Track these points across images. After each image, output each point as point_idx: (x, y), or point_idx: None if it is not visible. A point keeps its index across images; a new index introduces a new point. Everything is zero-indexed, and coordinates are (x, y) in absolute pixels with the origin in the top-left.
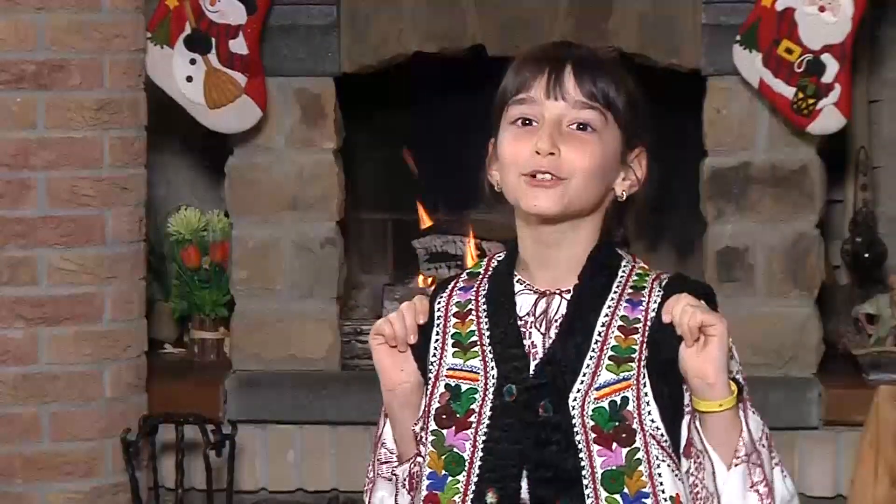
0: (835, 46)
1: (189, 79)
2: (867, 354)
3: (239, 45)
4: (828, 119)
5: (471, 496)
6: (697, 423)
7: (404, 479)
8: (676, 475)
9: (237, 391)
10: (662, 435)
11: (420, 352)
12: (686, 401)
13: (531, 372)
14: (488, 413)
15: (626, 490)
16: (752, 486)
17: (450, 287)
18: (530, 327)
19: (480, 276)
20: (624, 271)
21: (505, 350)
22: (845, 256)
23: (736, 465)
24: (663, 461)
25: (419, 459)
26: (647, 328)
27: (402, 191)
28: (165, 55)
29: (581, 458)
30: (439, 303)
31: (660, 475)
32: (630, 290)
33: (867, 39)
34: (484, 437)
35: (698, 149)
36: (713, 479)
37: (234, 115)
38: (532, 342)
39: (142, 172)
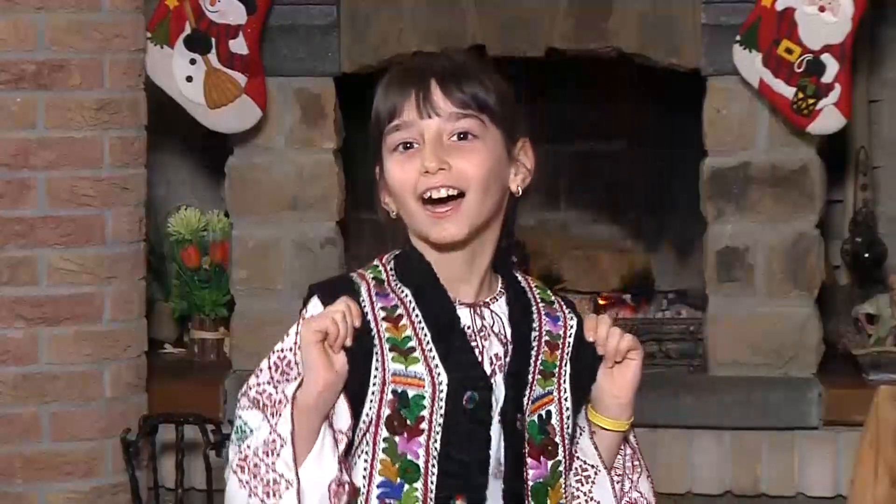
0: (835, 46)
1: (189, 79)
2: (867, 354)
3: (239, 45)
4: (828, 119)
5: (432, 503)
6: (595, 438)
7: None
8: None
9: (237, 391)
10: (570, 448)
11: (363, 356)
12: (580, 420)
13: (492, 381)
14: (440, 420)
15: (548, 502)
16: (622, 496)
17: (364, 291)
18: (472, 340)
19: (387, 281)
20: (524, 282)
21: (455, 356)
22: (845, 256)
23: (616, 482)
24: (568, 472)
25: (360, 466)
26: (566, 344)
27: None
28: (165, 55)
29: (525, 471)
30: (364, 307)
31: (567, 486)
32: (543, 304)
33: (867, 39)
34: (437, 445)
35: (698, 149)
36: (611, 492)
37: (234, 115)
38: (495, 354)
39: (142, 172)
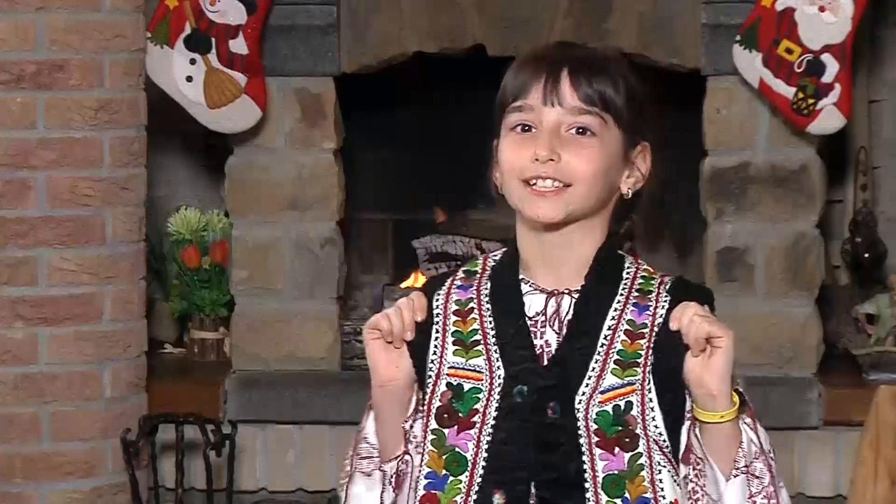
0: (835, 46)
1: (189, 79)
2: (867, 354)
3: (239, 45)
4: (828, 119)
5: (474, 497)
6: (698, 431)
7: (391, 477)
8: (675, 481)
9: (237, 391)
10: (665, 441)
11: (419, 349)
12: (688, 407)
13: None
14: (493, 413)
15: (626, 495)
16: (750, 497)
17: (447, 284)
18: (542, 327)
19: (478, 275)
20: (628, 273)
21: (513, 350)
22: (845, 256)
23: (735, 476)
24: (664, 467)
25: (407, 458)
26: (653, 334)
27: (402, 191)
28: (165, 55)
29: (584, 462)
30: (437, 300)
31: (661, 481)
32: (636, 294)
33: (867, 39)
34: (489, 438)
35: (698, 149)
36: (716, 486)
37: (234, 115)
38: (546, 341)
39: (142, 172)
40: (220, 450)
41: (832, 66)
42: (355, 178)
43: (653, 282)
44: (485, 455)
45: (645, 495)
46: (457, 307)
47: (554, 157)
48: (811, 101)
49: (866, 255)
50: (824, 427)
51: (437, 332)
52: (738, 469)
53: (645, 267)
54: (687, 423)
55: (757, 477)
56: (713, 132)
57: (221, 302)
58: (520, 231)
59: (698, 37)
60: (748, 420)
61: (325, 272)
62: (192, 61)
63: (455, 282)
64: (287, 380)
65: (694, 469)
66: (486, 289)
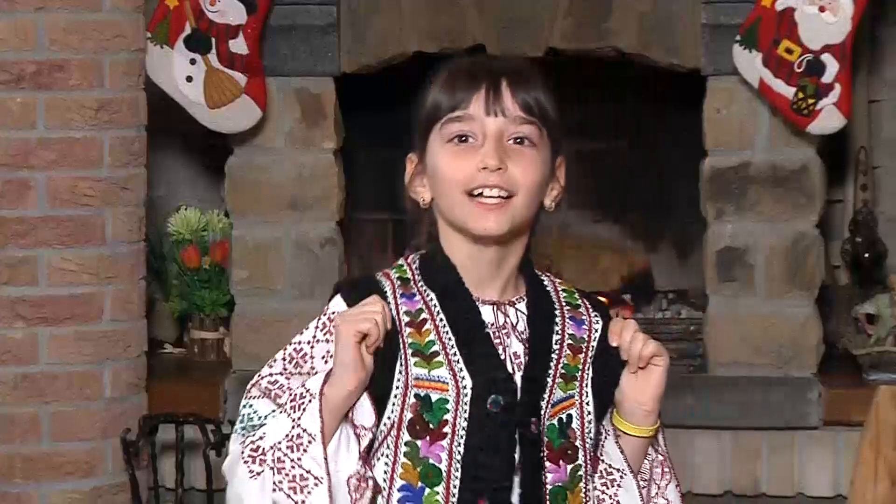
0: (835, 46)
1: (189, 79)
2: (867, 354)
3: (239, 45)
4: (828, 119)
5: None
6: (620, 442)
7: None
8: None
9: (237, 391)
10: (594, 451)
11: (386, 359)
12: (608, 420)
13: (517, 384)
14: (464, 424)
15: None
16: (649, 501)
17: (389, 292)
18: (496, 338)
19: (412, 282)
20: (550, 286)
21: (480, 360)
22: (845, 256)
23: (642, 487)
24: (591, 476)
25: (381, 468)
26: (590, 348)
27: (402, 191)
28: (165, 55)
29: (542, 475)
30: (389, 308)
31: (589, 490)
32: (568, 308)
33: (867, 39)
34: (461, 448)
35: (698, 149)
36: (638, 496)
37: (234, 115)
38: (514, 353)
39: (142, 172)
40: (220, 450)
41: (832, 66)
42: (355, 178)
43: (575, 295)
44: (458, 465)
45: None
46: (408, 318)
47: (502, 167)
48: (811, 101)
49: (866, 255)
50: (824, 427)
51: (400, 340)
52: (644, 480)
53: (558, 280)
54: (603, 435)
55: (655, 482)
56: (713, 132)
57: (221, 302)
58: (452, 246)
59: (698, 37)
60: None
61: (325, 272)
62: (192, 61)
63: (397, 290)
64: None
65: (604, 477)
66: (431, 298)
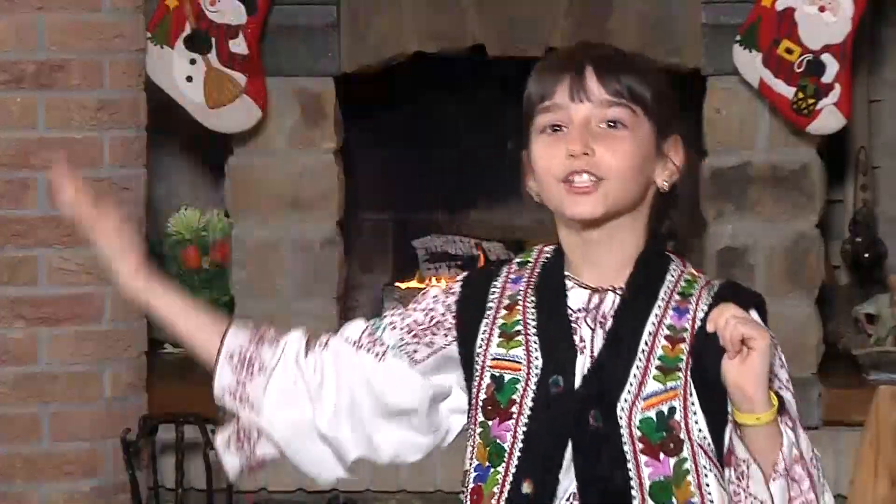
0: (835, 46)
1: (189, 79)
2: (867, 354)
3: (239, 45)
4: (828, 119)
5: (508, 487)
6: (739, 432)
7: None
8: (721, 484)
9: None
10: (709, 444)
11: (466, 336)
12: (729, 409)
13: (578, 371)
14: (530, 404)
15: (674, 500)
16: (789, 501)
17: (503, 276)
18: (579, 322)
19: (531, 266)
20: (672, 275)
21: (552, 342)
22: (845, 256)
23: (773, 480)
24: (710, 471)
25: (468, 449)
26: (692, 337)
27: (402, 191)
28: (165, 55)
29: (629, 470)
30: (493, 293)
31: (707, 485)
32: (677, 298)
33: (867, 39)
34: (524, 429)
35: (698, 149)
36: (765, 486)
37: (234, 115)
38: (580, 336)
39: (142, 172)
40: None
41: (832, 66)
42: (355, 178)
43: (695, 285)
44: (520, 446)
45: (692, 500)
46: (508, 301)
47: (588, 152)
48: (811, 101)
49: (866, 255)
50: (824, 427)
51: (487, 324)
52: (776, 472)
53: (690, 270)
54: (729, 425)
55: (796, 481)
56: (713, 132)
57: (221, 302)
58: (561, 231)
59: (698, 37)
60: (790, 424)
61: (325, 272)
62: (192, 61)
63: (510, 274)
64: None
65: (736, 471)
66: (535, 281)
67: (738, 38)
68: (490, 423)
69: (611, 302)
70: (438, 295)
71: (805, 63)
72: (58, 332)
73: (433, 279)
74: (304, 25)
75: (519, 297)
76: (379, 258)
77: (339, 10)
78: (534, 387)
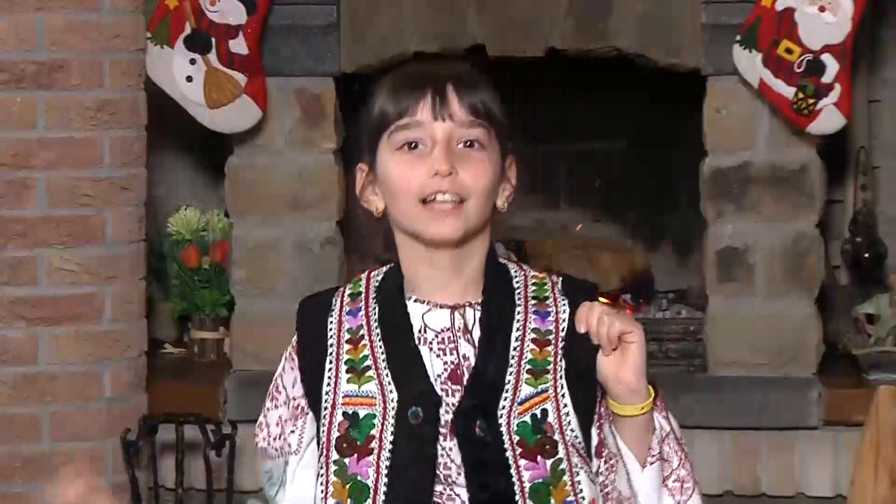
0: (835, 46)
1: (189, 79)
2: (867, 354)
3: (239, 45)
4: (828, 119)
5: None
6: (614, 426)
7: None
8: (591, 479)
9: (237, 391)
10: (580, 442)
11: (312, 379)
12: (598, 404)
13: (440, 396)
14: (390, 438)
15: (552, 501)
16: (663, 483)
17: (336, 310)
18: (450, 343)
19: (363, 297)
20: (518, 281)
21: (404, 372)
22: (845, 256)
23: (651, 464)
24: (581, 468)
25: (318, 489)
26: (559, 339)
27: None
28: (165, 55)
29: (511, 476)
30: (331, 328)
31: (579, 482)
32: (533, 301)
33: (867, 39)
34: (388, 463)
35: (698, 149)
36: (628, 481)
37: (234, 115)
38: (463, 355)
39: (142, 172)
40: (220, 450)
41: (832, 66)
42: (355, 179)
43: (545, 287)
44: (385, 480)
45: (568, 499)
46: (349, 335)
47: (453, 171)
48: (811, 101)
49: (866, 255)
50: (824, 427)
51: (331, 361)
52: (653, 456)
53: (533, 273)
54: (597, 420)
55: (667, 461)
56: (713, 132)
57: (221, 302)
58: (406, 253)
59: (698, 37)
60: (658, 405)
61: (325, 272)
62: (192, 61)
63: (344, 307)
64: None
65: (606, 463)
66: (374, 312)
67: (738, 38)
68: (346, 460)
69: (471, 316)
70: (285, 374)
71: (805, 63)
72: (58, 332)
73: None
74: (304, 25)
75: (363, 332)
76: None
77: (339, 10)
78: (392, 420)
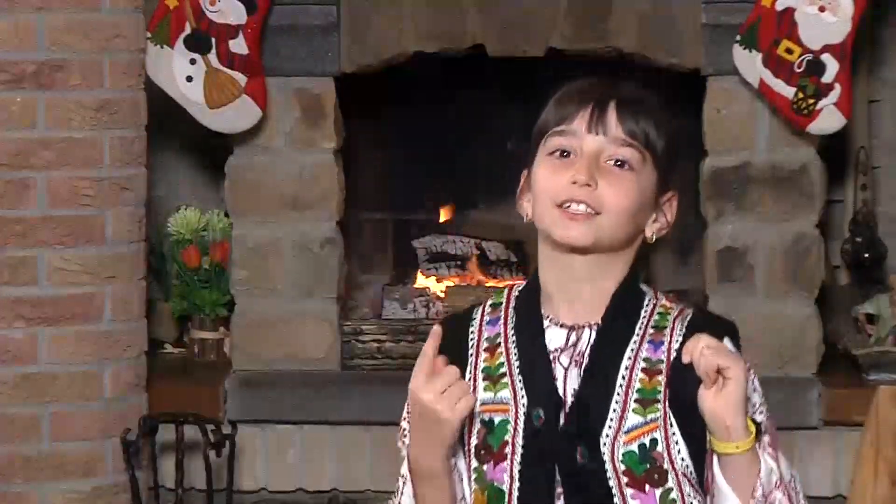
0: (835, 46)
1: (189, 79)
2: (867, 354)
3: (239, 45)
4: (828, 119)
5: None
6: (716, 461)
7: None
8: None
9: (237, 391)
10: (692, 472)
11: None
12: (708, 437)
13: (561, 397)
14: (521, 443)
15: None
16: None
17: (477, 319)
18: (556, 362)
19: (503, 307)
20: (646, 309)
21: (536, 382)
22: (845, 256)
23: None
24: (695, 498)
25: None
26: (668, 368)
27: (402, 191)
28: (165, 55)
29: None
30: (472, 337)
31: None
32: (652, 331)
33: (867, 39)
34: (519, 468)
35: (698, 149)
36: None
37: (234, 115)
38: (566, 374)
39: (142, 172)
40: (220, 450)
41: (832, 66)
42: (355, 178)
43: (668, 316)
44: (517, 485)
45: None
46: (487, 344)
47: (591, 183)
48: (811, 101)
49: (866, 255)
50: (824, 427)
51: (469, 370)
52: (755, 499)
53: (663, 302)
54: (709, 452)
55: None
56: (713, 132)
57: (221, 302)
58: (543, 261)
59: (698, 37)
60: (770, 450)
61: (325, 272)
62: (192, 61)
63: (485, 317)
64: (287, 380)
65: (713, 498)
66: (512, 320)
67: (738, 38)
68: (484, 467)
69: (587, 338)
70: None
71: (805, 63)
72: (58, 332)
73: (433, 279)
74: (304, 25)
75: (499, 340)
76: (379, 258)
77: (339, 10)
78: (522, 425)
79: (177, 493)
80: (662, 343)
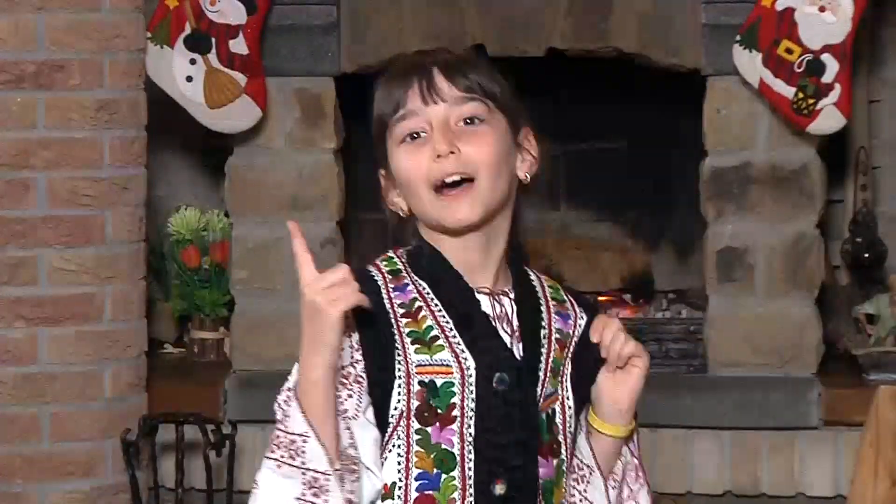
0: (835, 46)
1: (189, 79)
2: (867, 354)
3: (239, 45)
4: (828, 119)
5: (471, 490)
6: (591, 440)
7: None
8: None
9: (237, 391)
10: (572, 447)
11: (383, 352)
12: (581, 416)
13: (519, 361)
14: (471, 405)
15: (553, 500)
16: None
17: (382, 285)
18: (501, 327)
19: (403, 273)
20: (534, 280)
21: (482, 341)
22: (845, 256)
23: (612, 488)
24: (570, 471)
25: (394, 461)
26: (572, 343)
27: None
28: (165, 55)
29: (537, 468)
30: (384, 301)
31: (571, 486)
32: (554, 302)
33: (867, 39)
34: (472, 430)
35: (698, 149)
36: (604, 493)
37: (234, 115)
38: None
39: (142, 172)
40: (220, 450)
41: (832, 66)
42: (355, 178)
43: (560, 291)
44: (471, 448)
45: (562, 501)
46: (403, 309)
47: (454, 150)
48: (811, 101)
49: (866, 255)
50: (824, 427)
51: (395, 331)
52: (615, 480)
53: (545, 277)
54: (582, 433)
55: (626, 482)
56: (713, 132)
57: (221, 302)
58: (436, 241)
59: (698, 37)
60: (634, 438)
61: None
62: (192, 61)
63: (389, 283)
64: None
65: (574, 473)
66: (423, 287)
67: (738, 38)
68: (429, 429)
69: (508, 305)
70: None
71: (805, 63)
72: (58, 332)
73: None
74: (304, 25)
75: (418, 304)
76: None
77: (339, 10)
78: (472, 388)
79: (177, 494)
80: (569, 317)
